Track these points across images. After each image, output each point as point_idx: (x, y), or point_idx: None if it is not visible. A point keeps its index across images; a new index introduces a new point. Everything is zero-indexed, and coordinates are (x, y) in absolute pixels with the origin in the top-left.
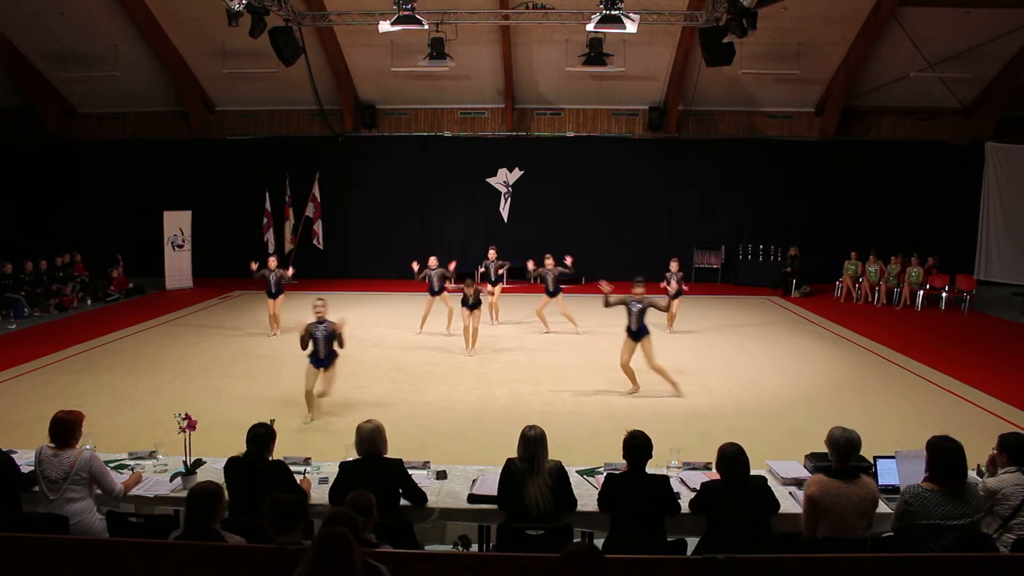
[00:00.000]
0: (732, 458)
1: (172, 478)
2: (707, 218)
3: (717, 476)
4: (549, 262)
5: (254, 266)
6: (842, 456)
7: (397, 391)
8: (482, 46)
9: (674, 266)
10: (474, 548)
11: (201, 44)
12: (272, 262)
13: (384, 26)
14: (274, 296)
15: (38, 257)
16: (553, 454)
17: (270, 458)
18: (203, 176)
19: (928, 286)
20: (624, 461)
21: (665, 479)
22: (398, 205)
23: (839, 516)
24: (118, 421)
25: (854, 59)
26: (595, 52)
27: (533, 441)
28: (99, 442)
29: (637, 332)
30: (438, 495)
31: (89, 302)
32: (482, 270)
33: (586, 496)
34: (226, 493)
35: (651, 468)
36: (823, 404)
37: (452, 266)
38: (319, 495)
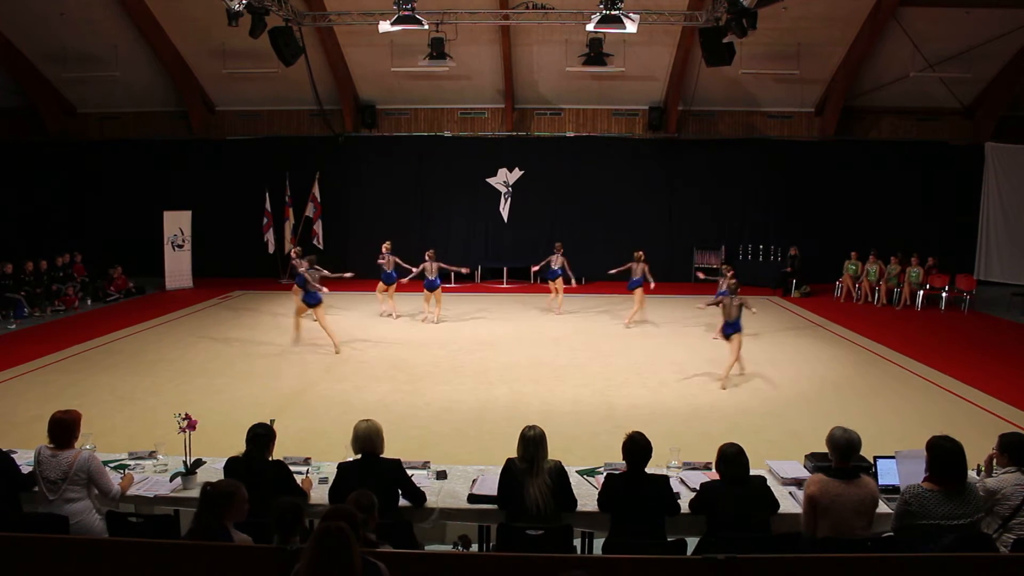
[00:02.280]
0: (732, 458)
1: (172, 478)
2: (707, 218)
3: (717, 476)
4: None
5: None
6: (842, 456)
7: (397, 391)
8: (482, 46)
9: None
10: (474, 548)
11: (201, 44)
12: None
13: (384, 26)
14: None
15: (38, 257)
16: (553, 454)
17: (270, 458)
18: (203, 176)
19: (928, 286)
20: (624, 462)
21: (665, 479)
22: (398, 205)
23: (839, 516)
24: (118, 421)
25: (854, 59)
26: (595, 52)
27: (533, 441)
28: (99, 442)
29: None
30: (438, 495)
31: (89, 302)
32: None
33: (586, 496)
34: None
35: (651, 468)
36: (823, 404)
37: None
38: (319, 495)
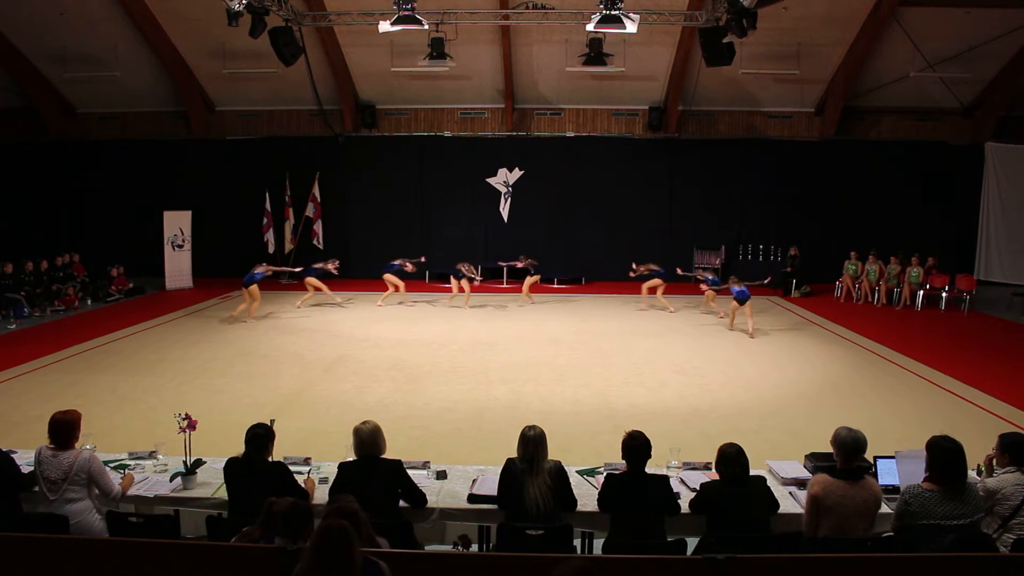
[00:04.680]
0: (732, 458)
1: (172, 478)
2: (707, 218)
3: (717, 476)
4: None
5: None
6: (847, 456)
7: (397, 391)
8: (482, 46)
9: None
10: (474, 548)
11: (201, 44)
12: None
13: (384, 26)
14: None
15: (38, 257)
16: (553, 454)
17: (270, 459)
18: (203, 176)
19: (928, 286)
20: (624, 461)
21: (665, 479)
22: (398, 205)
23: (841, 516)
24: (118, 421)
25: (854, 59)
26: (595, 52)
27: (532, 441)
28: (99, 442)
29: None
30: (438, 495)
31: (89, 302)
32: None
33: (586, 496)
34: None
35: (651, 468)
36: (823, 404)
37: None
38: (320, 495)
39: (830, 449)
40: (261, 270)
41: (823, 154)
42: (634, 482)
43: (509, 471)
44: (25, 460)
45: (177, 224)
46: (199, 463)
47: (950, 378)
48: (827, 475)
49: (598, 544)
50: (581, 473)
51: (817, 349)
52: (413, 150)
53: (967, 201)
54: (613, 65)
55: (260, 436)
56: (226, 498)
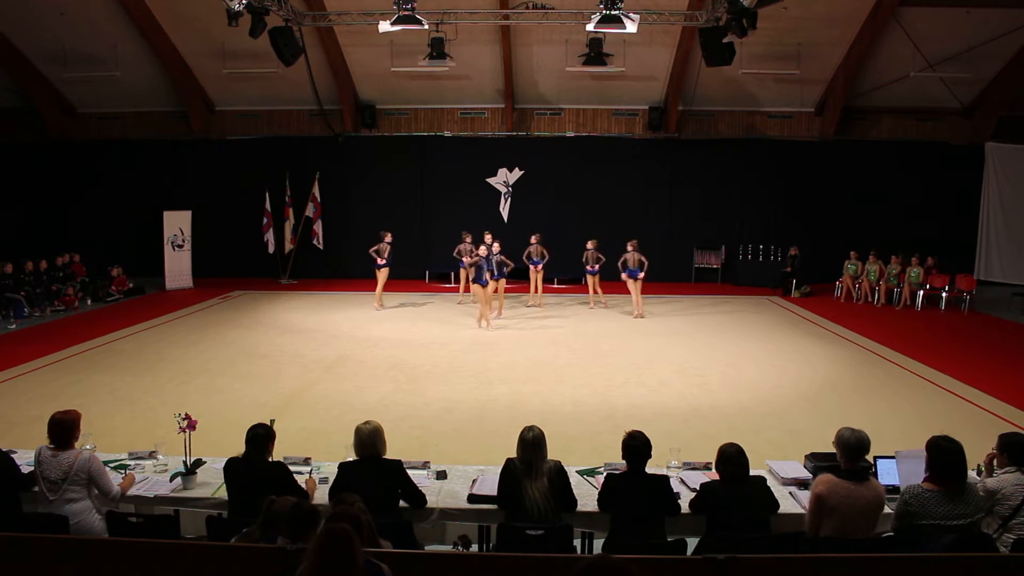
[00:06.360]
0: (732, 458)
1: (172, 478)
2: (707, 218)
3: (717, 476)
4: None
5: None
6: (851, 457)
7: (397, 391)
8: (482, 46)
9: (590, 245)
10: (474, 548)
11: (201, 44)
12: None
13: (384, 26)
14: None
15: (38, 257)
16: (553, 454)
17: (270, 459)
18: (203, 176)
19: (928, 286)
20: (624, 461)
21: (665, 479)
22: (398, 205)
23: (845, 517)
24: (118, 421)
25: (854, 59)
26: (595, 52)
27: (532, 442)
28: (99, 442)
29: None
30: (438, 495)
31: (89, 302)
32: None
33: (586, 496)
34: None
35: (651, 468)
36: (823, 404)
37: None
38: (320, 495)
39: (830, 449)
40: (381, 249)
41: (823, 154)
42: (634, 482)
43: (509, 471)
44: (25, 460)
45: (177, 224)
46: (199, 463)
47: (950, 378)
48: (832, 475)
49: (598, 544)
50: (581, 473)
51: (817, 349)
52: (413, 150)
53: (967, 201)
54: (613, 65)
55: (260, 436)
56: (226, 498)
